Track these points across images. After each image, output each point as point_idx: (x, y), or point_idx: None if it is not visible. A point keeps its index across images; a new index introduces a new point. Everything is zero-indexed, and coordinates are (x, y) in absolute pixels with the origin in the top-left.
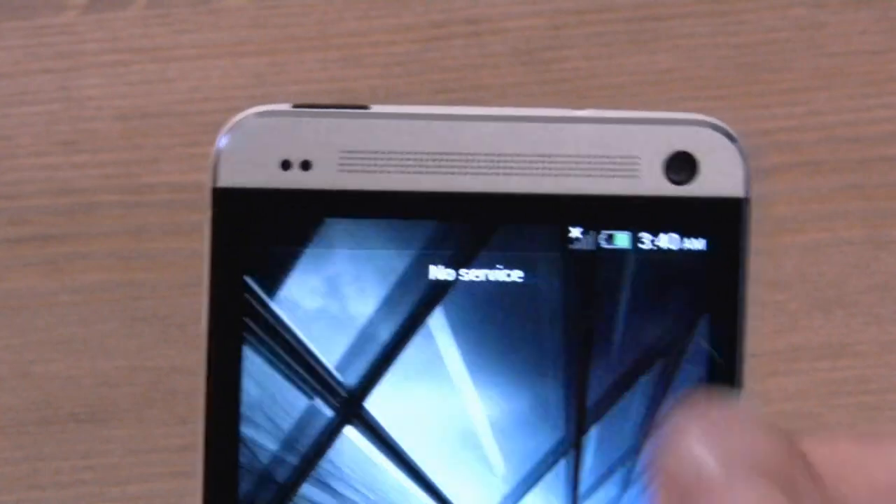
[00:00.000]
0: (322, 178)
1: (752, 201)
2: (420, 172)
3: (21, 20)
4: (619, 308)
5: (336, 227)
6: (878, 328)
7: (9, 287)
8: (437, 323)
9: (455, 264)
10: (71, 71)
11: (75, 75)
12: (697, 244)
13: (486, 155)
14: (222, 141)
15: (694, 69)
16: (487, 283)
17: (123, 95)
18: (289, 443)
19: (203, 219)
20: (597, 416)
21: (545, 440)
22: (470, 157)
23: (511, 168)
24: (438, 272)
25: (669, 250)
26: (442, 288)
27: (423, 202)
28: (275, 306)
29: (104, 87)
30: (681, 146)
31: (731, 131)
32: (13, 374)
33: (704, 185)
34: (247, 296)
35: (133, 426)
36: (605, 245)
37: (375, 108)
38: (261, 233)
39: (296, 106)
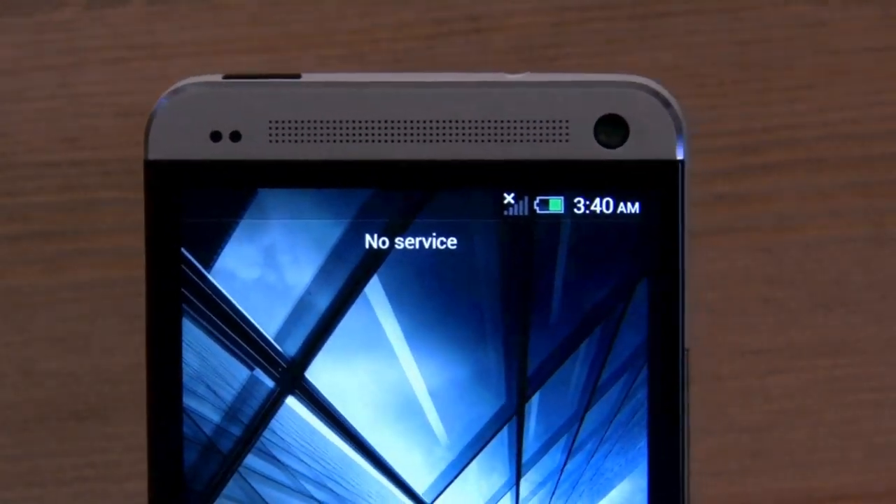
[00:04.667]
0: (252, 149)
1: (688, 163)
2: (351, 141)
3: (22, 16)
4: (556, 274)
5: (269, 198)
6: (880, 326)
7: (9, 284)
8: (375, 291)
9: (390, 232)
10: (71, 67)
11: (76, 72)
12: (632, 208)
13: (418, 122)
14: (154, 114)
15: (696, 66)
16: (423, 250)
17: (124, 92)
18: (232, 414)
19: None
20: (538, 383)
21: (487, 408)
22: (401, 125)
23: (443, 135)
24: (374, 240)
25: (604, 214)
26: (378, 256)
27: (355, 171)
28: (212, 278)
29: (105, 84)
30: (610, 109)
31: (663, 93)
32: (14, 371)
33: (636, 148)
34: (184, 268)
35: (133, 423)
36: (539, 211)
37: (306, 77)
38: (194, 205)
39: (226, 77)
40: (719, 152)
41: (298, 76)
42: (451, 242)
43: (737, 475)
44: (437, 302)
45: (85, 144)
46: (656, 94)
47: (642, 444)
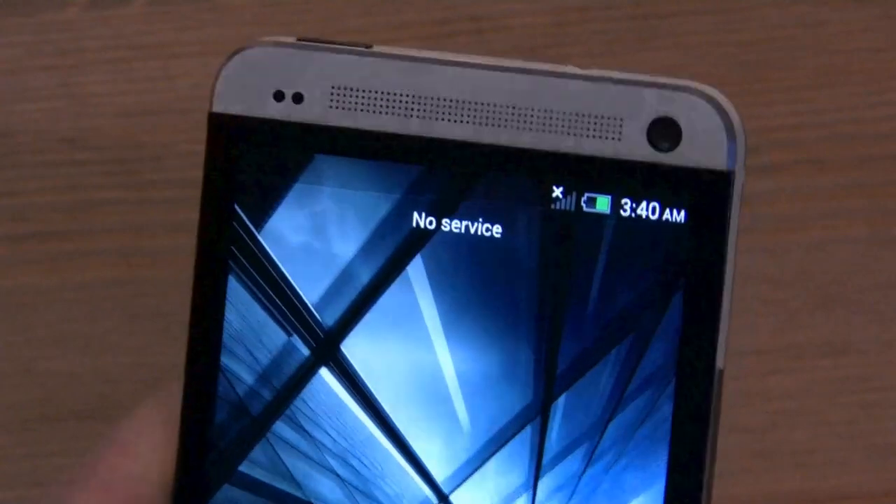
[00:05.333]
0: (311, 113)
1: (740, 176)
2: (408, 116)
3: (23, 17)
4: (594, 275)
5: (324, 164)
6: (881, 326)
7: (10, 284)
8: (416, 271)
9: (437, 212)
10: (73, 68)
11: (77, 72)
12: (677, 215)
13: (475, 103)
14: (224, 68)
15: (696, 67)
16: (467, 235)
17: (125, 92)
18: (265, 378)
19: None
20: (565, 385)
21: (513, 403)
22: (458, 105)
23: (499, 119)
24: (421, 219)
25: (649, 219)
26: (423, 236)
27: (409, 146)
28: (261, 237)
29: (106, 84)
30: (664, 112)
31: (721, 101)
32: (15, 371)
33: (687, 155)
34: (235, 224)
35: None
36: (586, 208)
37: (377, 48)
38: (251, 162)
39: (300, 39)
40: None
41: (370, 46)
42: (496, 230)
43: (737, 475)
44: (475, 289)
45: (86, 144)
46: (713, 101)
47: (662, 462)
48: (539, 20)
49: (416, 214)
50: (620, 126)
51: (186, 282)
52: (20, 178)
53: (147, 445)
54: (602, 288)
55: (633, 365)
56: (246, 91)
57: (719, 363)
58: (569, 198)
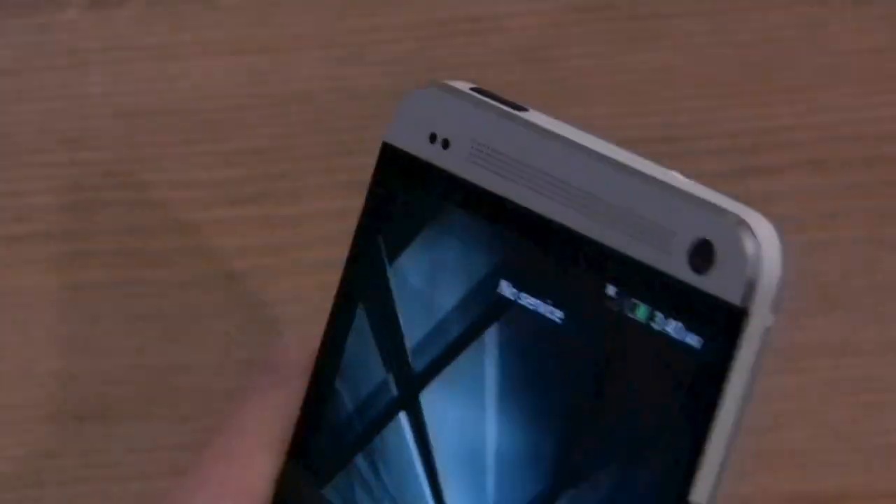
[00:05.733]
0: (452, 161)
1: (762, 315)
2: (523, 186)
3: (23, 17)
4: (620, 380)
5: (447, 212)
6: (880, 327)
7: (10, 285)
8: (492, 339)
9: (521, 287)
10: (72, 68)
11: (77, 73)
12: (692, 341)
13: (574, 187)
14: (402, 104)
15: (695, 67)
16: (535, 313)
17: (125, 93)
18: (362, 409)
19: None
20: (570, 481)
21: (529, 488)
22: (558, 183)
23: (575, 202)
24: (506, 289)
25: (670, 336)
26: (505, 305)
27: (518, 215)
28: (390, 271)
29: (106, 85)
30: (707, 234)
31: (760, 233)
32: (15, 371)
33: (715, 282)
34: (375, 252)
35: (134, 424)
36: (627, 312)
37: (529, 114)
38: (400, 196)
39: (473, 89)
40: (719, 153)
41: (525, 109)
42: (558, 315)
43: (738, 476)
44: (529, 369)
45: (86, 145)
46: (749, 231)
47: None
48: (539, 20)
49: (504, 283)
50: (671, 240)
51: (186, 282)
52: (20, 178)
53: (254, 455)
54: (621, 397)
55: (628, 482)
56: (411, 128)
57: (696, 498)
58: (618, 299)
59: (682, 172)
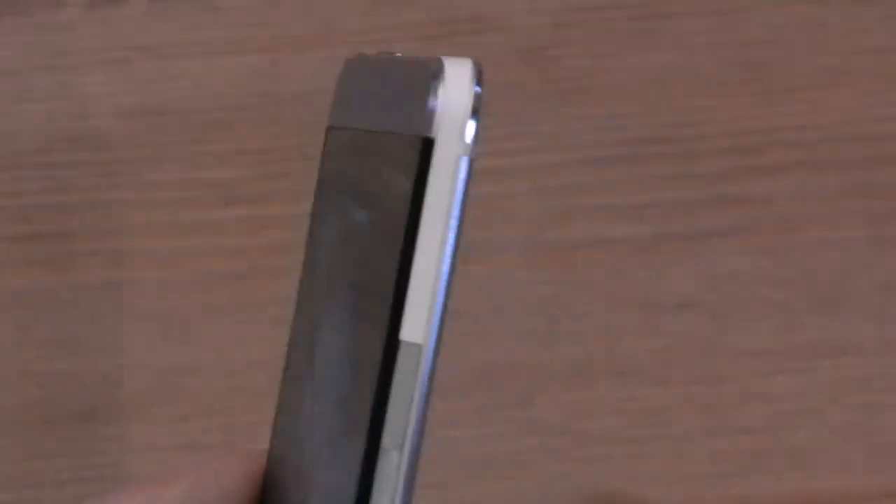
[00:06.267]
0: None
1: (449, 146)
2: None
3: (22, 17)
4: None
5: None
6: (881, 327)
7: (10, 285)
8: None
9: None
10: (72, 68)
11: (77, 73)
12: (393, 178)
13: None
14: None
15: (697, 67)
16: None
17: (125, 93)
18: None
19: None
20: (310, 293)
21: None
22: None
23: None
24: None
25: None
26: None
27: None
28: None
29: (105, 85)
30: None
31: (451, 69)
32: (14, 372)
33: (408, 122)
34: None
35: (133, 424)
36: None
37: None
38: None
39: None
40: (720, 154)
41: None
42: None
43: (738, 476)
44: None
45: (85, 145)
46: (439, 70)
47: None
48: (538, 20)
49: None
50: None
51: (185, 283)
52: (20, 178)
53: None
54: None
55: (336, 328)
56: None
57: (408, 336)
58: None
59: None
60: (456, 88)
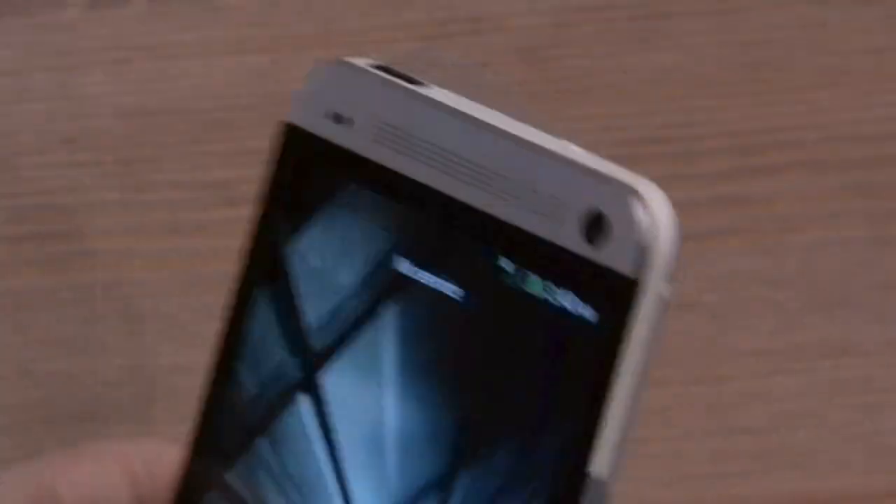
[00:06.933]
0: (356, 140)
1: (657, 285)
2: (421, 163)
3: (22, 17)
4: (515, 355)
5: (351, 192)
6: (881, 327)
7: (9, 285)
8: (387, 315)
9: (414, 262)
10: (72, 68)
11: (76, 73)
12: (589, 315)
13: (454, 156)
14: (305, 81)
15: (696, 67)
16: (429, 289)
17: (124, 93)
18: (261, 393)
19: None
20: (468, 461)
21: (428, 470)
22: (456, 159)
23: (465, 175)
24: (401, 264)
25: (566, 311)
26: (399, 281)
27: (414, 191)
28: (289, 250)
29: (105, 85)
30: (599, 204)
31: (652, 203)
32: (14, 372)
33: (606, 254)
34: (274, 231)
35: (133, 425)
36: (519, 285)
37: (431, 90)
38: (301, 178)
39: (375, 66)
40: (720, 154)
41: (424, 84)
42: (451, 289)
43: (738, 477)
44: (421, 345)
45: (85, 145)
46: (642, 200)
47: None
48: (538, 20)
49: (402, 260)
50: (562, 210)
51: (185, 283)
52: (20, 178)
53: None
54: (517, 372)
55: (526, 457)
56: (314, 107)
57: (597, 471)
58: (511, 271)
59: (579, 144)
60: (663, 219)
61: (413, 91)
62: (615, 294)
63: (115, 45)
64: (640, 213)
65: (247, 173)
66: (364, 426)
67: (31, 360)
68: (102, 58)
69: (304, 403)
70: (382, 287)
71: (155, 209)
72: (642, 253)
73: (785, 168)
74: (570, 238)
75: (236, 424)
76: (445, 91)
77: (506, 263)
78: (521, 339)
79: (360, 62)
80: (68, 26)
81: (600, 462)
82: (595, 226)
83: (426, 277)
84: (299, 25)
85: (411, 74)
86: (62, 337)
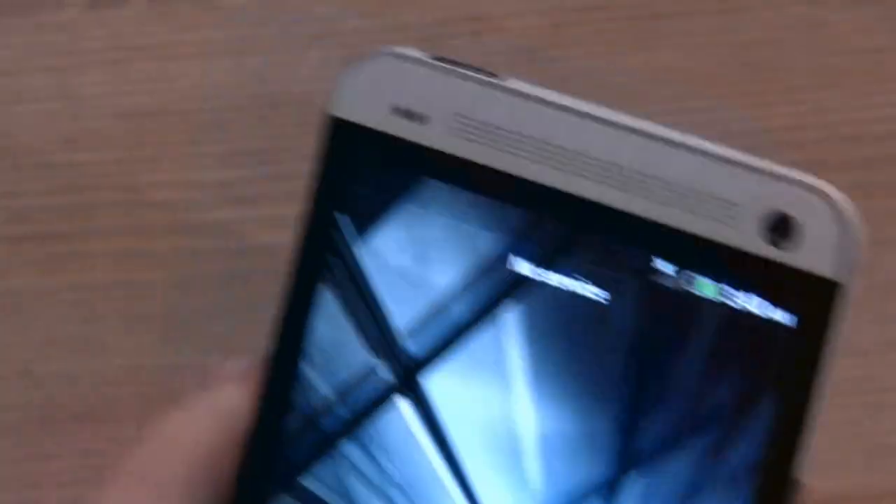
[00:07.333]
0: (433, 136)
1: (851, 287)
2: (526, 158)
3: (22, 17)
4: (688, 358)
5: (434, 190)
6: (881, 327)
7: (9, 285)
8: (510, 318)
9: (539, 262)
10: (71, 69)
11: (76, 73)
12: (777, 316)
13: (596, 159)
14: (350, 72)
15: (696, 67)
16: (566, 291)
17: (124, 93)
18: (342, 394)
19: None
20: (639, 464)
21: (585, 472)
22: (577, 157)
23: (617, 180)
24: (521, 265)
25: (748, 312)
26: (522, 283)
27: (523, 189)
28: (360, 251)
29: (105, 85)
30: (784, 207)
31: (843, 207)
32: (13, 373)
33: (800, 256)
34: (335, 232)
35: (133, 425)
36: (685, 287)
37: (505, 81)
38: (362, 174)
39: (435, 58)
40: None
41: (496, 76)
42: (592, 291)
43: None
44: (566, 348)
45: (85, 146)
46: (836, 205)
47: None
48: (538, 21)
49: (518, 260)
50: (736, 212)
51: (185, 283)
52: (19, 178)
53: (190, 437)
54: (690, 374)
55: (709, 461)
56: (368, 100)
57: (797, 474)
58: (671, 274)
59: (699, 136)
60: (856, 221)
61: (500, 84)
62: (817, 296)
63: (115, 46)
64: (835, 215)
65: (246, 173)
66: (494, 431)
67: (31, 360)
68: (102, 58)
69: (407, 406)
70: (497, 287)
71: (154, 209)
72: (843, 256)
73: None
74: (746, 240)
75: (308, 428)
76: (520, 80)
77: (664, 265)
78: (689, 341)
79: (411, 52)
80: (68, 26)
81: (800, 465)
82: (780, 228)
83: (555, 279)
84: (299, 26)
85: (473, 63)
86: (61, 338)
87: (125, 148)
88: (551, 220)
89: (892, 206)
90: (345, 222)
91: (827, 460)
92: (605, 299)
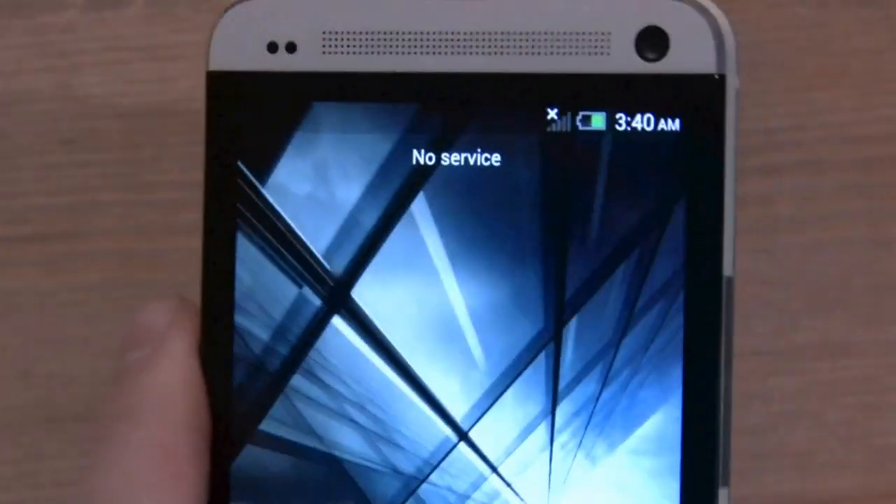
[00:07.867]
0: (306, 61)
1: (733, 80)
2: (398, 53)
3: (21, 18)
4: (595, 193)
5: (322, 111)
6: (880, 328)
7: (8, 286)
8: (420, 209)
9: (436, 148)
10: (71, 69)
11: (75, 74)
12: (672, 124)
13: (462, 33)
14: (218, 25)
15: None
16: (468, 167)
17: (123, 94)
18: (280, 333)
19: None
20: (575, 308)
21: (525, 332)
22: (444, 36)
23: (487, 47)
24: (420, 156)
25: (644, 131)
26: (424, 173)
27: (401, 83)
28: (266, 192)
29: (104, 86)
30: (651, 21)
31: (707, 6)
32: (13, 373)
33: (677, 63)
34: (240, 181)
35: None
36: (581, 127)
37: None
38: (251, 118)
39: None
40: None
41: None
42: (495, 159)
43: (737, 477)
44: (479, 221)
45: (84, 146)
46: (698, 6)
47: (677, 374)
48: None
49: (415, 152)
50: (608, 40)
51: (185, 283)
52: (19, 179)
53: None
54: (604, 206)
55: (641, 281)
56: (239, 46)
57: (727, 271)
58: (564, 119)
59: None
60: (721, 16)
61: None
62: (703, 94)
63: (115, 46)
64: (702, 15)
65: None
66: (429, 320)
67: (30, 361)
68: (102, 58)
69: (345, 323)
70: (407, 184)
71: (155, 209)
72: (720, 49)
73: (785, 168)
74: (626, 63)
75: (256, 374)
76: None
77: (552, 112)
78: (595, 177)
79: None
80: (68, 27)
81: (728, 261)
82: (653, 42)
83: (455, 157)
84: None
85: None
86: (62, 338)
87: (124, 148)
88: (437, 103)
89: (891, 206)
90: (245, 168)
91: (827, 460)
92: (508, 163)
